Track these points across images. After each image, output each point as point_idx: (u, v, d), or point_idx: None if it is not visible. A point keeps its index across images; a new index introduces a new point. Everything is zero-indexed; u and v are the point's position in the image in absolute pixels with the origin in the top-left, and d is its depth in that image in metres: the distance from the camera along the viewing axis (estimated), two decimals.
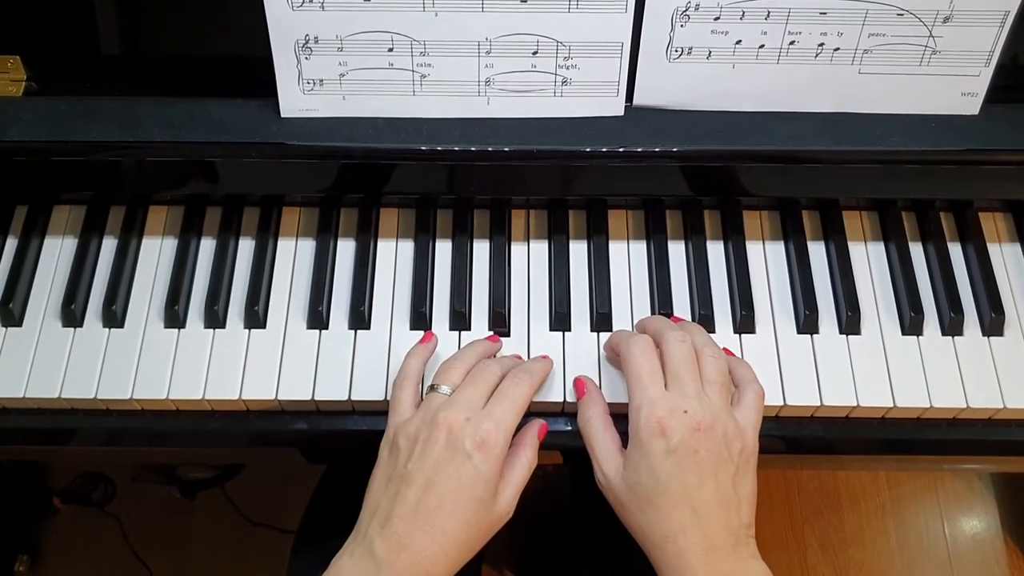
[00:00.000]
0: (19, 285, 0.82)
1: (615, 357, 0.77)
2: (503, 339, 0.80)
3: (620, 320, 0.81)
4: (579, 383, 0.76)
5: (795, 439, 0.79)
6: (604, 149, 0.76)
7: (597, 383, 0.77)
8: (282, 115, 0.77)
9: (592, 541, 1.00)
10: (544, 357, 0.77)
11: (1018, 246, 0.86)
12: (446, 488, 0.65)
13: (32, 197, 0.87)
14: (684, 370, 0.69)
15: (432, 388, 0.70)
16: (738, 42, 0.74)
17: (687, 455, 0.65)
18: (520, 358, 0.78)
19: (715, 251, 0.85)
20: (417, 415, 0.69)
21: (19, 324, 0.81)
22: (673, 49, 0.75)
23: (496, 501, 0.67)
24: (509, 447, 0.68)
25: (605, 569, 0.96)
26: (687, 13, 0.72)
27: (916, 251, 0.85)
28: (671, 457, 0.65)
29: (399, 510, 0.65)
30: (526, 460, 0.70)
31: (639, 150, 0.76)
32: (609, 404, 0.74)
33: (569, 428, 0.78)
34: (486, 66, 0.75)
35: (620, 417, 0.71)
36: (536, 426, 0.73)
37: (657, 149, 0.76)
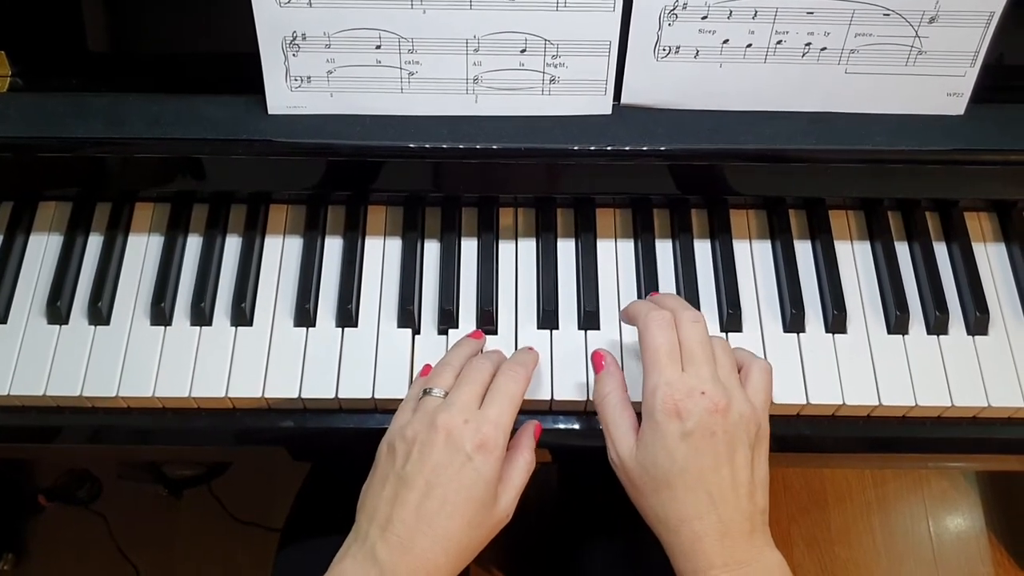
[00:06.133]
0: (3, 282, 0.82)
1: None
2: (491, 337, 0.80)
3: (607, 318, 0.81)
4: (597, 356, 0.74)
5: (781, 437, 0.79)
6: (592, 147, 0.76)
7: (585, 383, 0.77)
8: (269, 112, 0.77)
9: (582, 537, 1.00)
10: (530, 349, 0.76)
11: (1003, 245, 0.86)
12: (447, 490, 0.64)
13: (17, 194, 0.87)
14: (699, 351, 0.68)
15: (425, 392, 0.70)
16: (725, 41, 0.74)
17: (704, 438, 0.64)
18: (502, 354, 0.78)
19: (702, 250, 0.85)
20: (414, 418, 0.68)
21: (4, 321, 0.81)
22: (661, 48, 0.75)
23: (496, 503, 0.66)
24: (507, 448, 0.68)
25: (597, 564, 0.96)
26: (675, 12, 0.73)
27: (902, 250, 0.85)
28: (687, 440, 0.64)
29: (400, 513, 0.64)
30: (524, 462, 0.70)
31: (627, 149, 0.76)
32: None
33: (559, 426, 0.78)
34: (474, 64, 0.75)
35: None
36: (531, 427, 0.73)
37: (645, 148, 0.76)
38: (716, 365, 0.68)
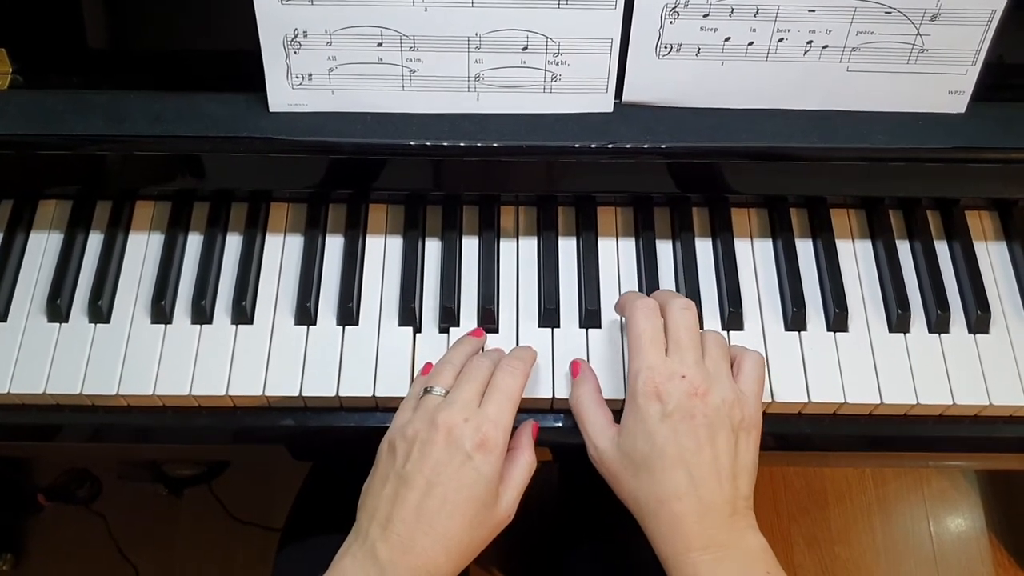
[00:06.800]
0: (4, 280, 0.82)
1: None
2: (492, 335, 0.80)
3: (609, 316, 0.81)
4: (574, 364, 0.77)
5: (783, 436, 0.79)
6: (593, 145, 0.76)
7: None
8: (270, 110, 0.77)
9: (582, 537, 1.00)
10: (527, 347, 0.77)
11: (1004, 244, 0.86)
12: (447, 489, 0.64)
13: (17, 192, 0.86)
14: (686, 337, 0.69)
15: (426, 391, 0.70)
16: (727, 39, 0.74)
17: (683, 419, 0.65)
18: (503, 352, 0.78)
19: (703, 248, 0.85)
20: (415, 417, 0.68)
21: (4, 319, 0.81)
22: (662, 46, 0.75)
23: (497, 503, 0.67)
24: (507, 448, 0.68)
25: (596, 565, 0.96)
26: (676, 10, 0.73)
27: (903, 249, 0.85)
28: (667, 421, 0.65)
29: (400, 512, 0.64)
30: (525, 462, 0.70)
31: (628, 147, 0.76)
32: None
33: (559, 424, 0.78)
34: (476, 61, 0.75)
35: (613, 413, 0.72)
36: (528, 427, 0.73)
37: (646, 146, 0.76)
38: (704, 353, 0.70)
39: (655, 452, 0.65)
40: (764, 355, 0.79)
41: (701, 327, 0.79)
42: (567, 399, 0.77)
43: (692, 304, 0.72)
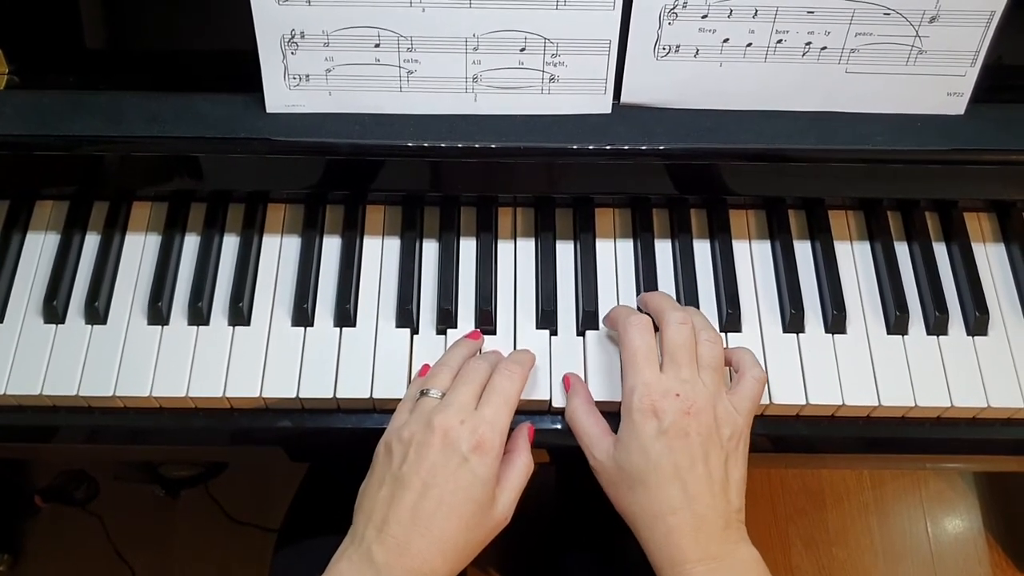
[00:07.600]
0: (0, 281, 0.81)
1: (613, 332, 0.78)
2: (490, 337, 0.80)
3: None
4: (565, 379, 0.77)
5: (780, 438, 0.79)
6: (591, 147, 0.76)
7: (584, 380, 0.77)
8: (267, 111, 0.77)
9: (579, 539, 1.00)
10: (526, 351, 0.77)
11: (1002, 246, 0.86)
12: (443, 491, 0.64)
13: (14, 192, 0.86)
14: (681, 354, 0.69)
15: (423, 393, 0.70)
16: (725, 40, 0.74)
17: (678, 437, 0.66)
18: (500, 354, 0.78)
19: (701, 250, 0.85)
20: (411, 419, 0.68)
21: (0, 320, 0.80)
22: (661, 47, 0.75)
23: (494, 505, 0.66)
24: (503, 450, 0.68)
25: (592, 567, 0.96)
26: (675, 11, 0.72)
27: (901, 250, 0.85)
28: (662, 438, 0.66)
29: (396, 514, 0.64)
30: (522, 464, 0.70)
31: (626, 148, 0.76)
32: (598, 402, 0.75)
33: (556, 427, 0.78)
34: (473, 63, 0.74)
35: (610, 415, 0.72)
36: (524, 429, 0.73)
37: (644, 147, 0.76)
38: (699, 367, 0.69)
39: (650, 467, 0.66)
40: (763, 357, 0.79)
41: None
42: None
43: (688, 318, 0.71)
